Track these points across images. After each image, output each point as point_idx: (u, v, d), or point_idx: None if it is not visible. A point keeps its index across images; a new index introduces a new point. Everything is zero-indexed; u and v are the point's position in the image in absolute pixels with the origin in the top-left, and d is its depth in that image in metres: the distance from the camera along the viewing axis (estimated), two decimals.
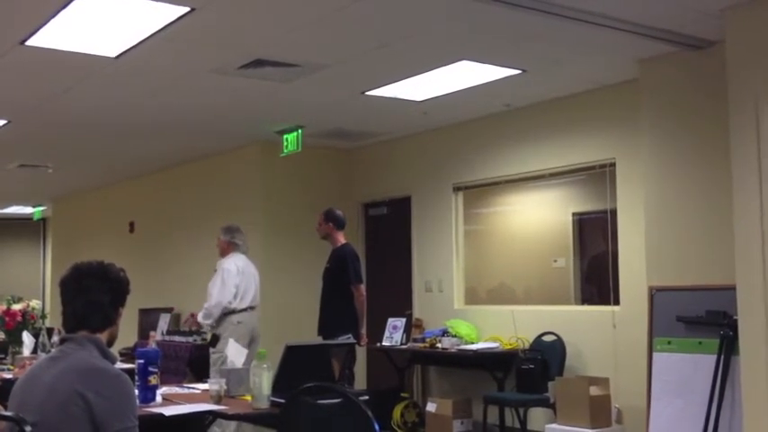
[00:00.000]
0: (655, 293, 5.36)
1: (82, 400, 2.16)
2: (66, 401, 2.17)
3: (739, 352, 4.50)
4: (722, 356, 4.85)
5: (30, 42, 5.01)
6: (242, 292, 6.49)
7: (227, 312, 6.42)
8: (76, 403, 2.16)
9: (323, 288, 6.62)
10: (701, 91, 5.22)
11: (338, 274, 6.48)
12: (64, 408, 2.16)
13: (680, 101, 5.37)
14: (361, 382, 8.32)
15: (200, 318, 6.53)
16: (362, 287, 6.51)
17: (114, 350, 2.52)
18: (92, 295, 2.40)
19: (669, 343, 5.21)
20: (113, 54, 5.30)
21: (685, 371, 5.09)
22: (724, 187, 4.68)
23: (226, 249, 6.66)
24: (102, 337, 2.41)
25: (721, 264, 4.83)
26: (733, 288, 4.48)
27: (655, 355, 5.27)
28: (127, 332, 9.41)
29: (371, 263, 8.64)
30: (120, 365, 4.44)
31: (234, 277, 6.45)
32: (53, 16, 4.60)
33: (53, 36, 4.92)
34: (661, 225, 5.42)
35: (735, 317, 4.54)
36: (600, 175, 6.52)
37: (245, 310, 6.49)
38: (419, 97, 6.60)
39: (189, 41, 5.11)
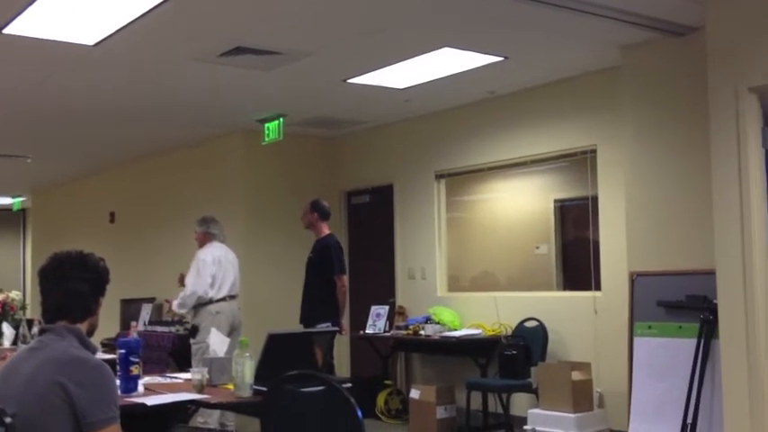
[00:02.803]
0: (636, 279, 5.39)
1: (62, 391, 2.14)
2: (45, 392, 2.15)
3: (719, 335, 4.54)
4: (702, 340, 4.89)
5: (6, 30, 4.95)
6: (219, 281, 6.47)
7: (205, 302, 6.40)
8: (56, 393, 2.14)
9: (306, 278, 6.63)
10: (682, 77, 5.24)
11: (321, 264, 6.49)
12: (43, 398, 2.14)
13: (661, 87, 5.39)
14: (344, 369, 8.33)
15: (174, 306, 6.52)
16: (345, 278, 6.54)
17: (96, 340, 2.50)
18: (71, 285, 2.38)
19: (650, 327, 5.25)
20: (91, 42, 5.24)
21: (666, 355, 5.13)
22: (704, 173, 4.71)
23: (202, 240, 6.66)
24: (83, 327, 2.39)
25: (701, 249, 4.86)
26: (713, 273, 4.52)
27: (636, 339, 5.31)
28: (109, 322, 9.35)
29: (354, 251, 8.63)
30: (101, 356, 4.41)
31: (209, 267, 6.43)
32: (30, 4, 4.54)
33: (30, 24, 4.86)
34: (642, 211, 5.45)
35: (715, 301, 4.58)
36: (581, 162, 6.54)
37: (223, 299, 6.47)
38: (401, 85, 6.58)
39: (168, 29, 5.07)
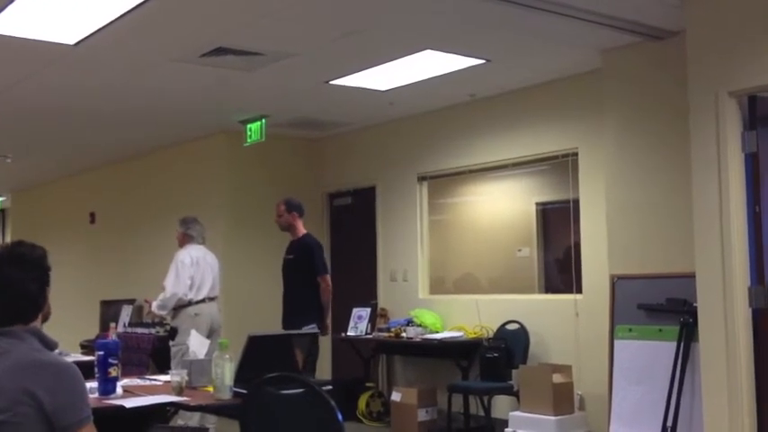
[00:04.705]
0: (616, 281, 5.41)
1: (31, 399, 2.08)
2: (14, 401, 2.09)
3: (699, 338, 4.57)
4: (682, 343, 4.92)
5: None
6: (198, 283, 6.42)
7: (184, 304, 6.35)
8: (25, 402, 2.08)
9: (286, 280, 6.56)
10: (662, 80, 5.28)
11: (303, 265, 6.42)
12: (13, 407, 2.08)
13: (642, 90, 5.42)
14: (326, 372, 8.31)
15: (154, 308, 6.47)
16: (328, 278, 6.47)
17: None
18: (17, 289, 2.26)
19: (630, 330, 5.27)
20: (72, 41, 5.21)
21: (646, 358, 5.15)
22: (685, 176, 4.74)
23: (181, 241, 6.62)
24: (38, 323, 2.32)
25: (682, 252, 4.89)
26: (693, 276, 4.54)
27: (616, 342, 5.33)
28: (88, 324, 9.33)
29: (336, 253, 8.62)
30: (78, 357, 4.38)
31: (188, 269, 6.38)
32: (10, 2, 4.50)
33: (11, 23, 4.82)
34: (622, 214, 5.48)
35: (694, 304, 4.61)
36: (563, 165, 6.56)
37: (202, 301, 6.42)
38: (383, 87, 6.58)
39: (150, 29, 5.04)
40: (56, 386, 2.13)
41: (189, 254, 6.47)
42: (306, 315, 6.28)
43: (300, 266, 6.43)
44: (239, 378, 3.47)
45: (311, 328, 6.16)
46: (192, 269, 6.40)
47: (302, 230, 6.55)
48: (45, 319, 2.36)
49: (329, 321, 6.53)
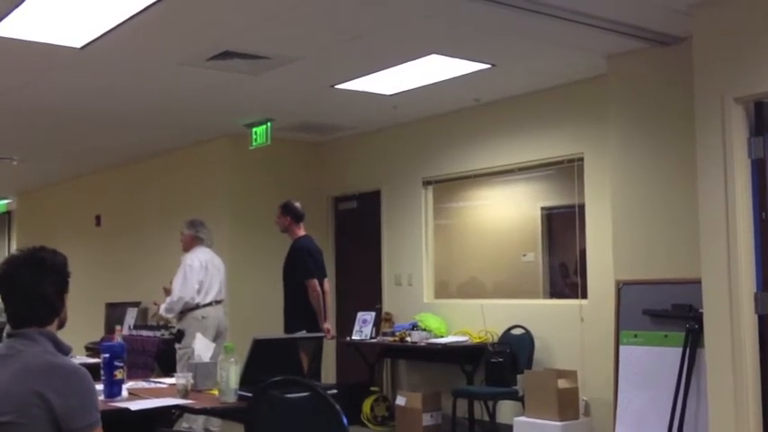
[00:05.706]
0: (621, 287, 5.40)
1: (40, 400, 2.09)
2: (24, 402, 2.09)
3: (704, 344, 4.56)
4: (688, 349, 4.91)
5: None
6: (206, 287, 6.41)
7: (191, 308, 6.35)
8: (35, 403, 2.09)
9: (283, 283, 6.57)
10: (668, 86, 5.27)
11: (290, 268, 6.42)
12: (23, 409, 2.09)
13: (647, 96, 5.42)
14: (330, 375, 8.31)
15: (161, 311, 6.48)
16: (314, 282, 6.35)
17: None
18: (35, 292, 2.29)
19: (636, 336, 5.26)
20: (79, 45, 5.22)
21: (652, 363, 5.14)
22: (690, 182, 4.73)
23: (190, 244, 6.59)
24: (53, 328, 2.33)
25: (687, 257, 4.88)
26: (698, 282, 4.53)
27: (621, 348, 5.32)
28: (93, 326, 9.35)
29: (341, 257, 8.62)
30: (83, 359, 4.38)
31: (197, 272, 6.37)
32: (17, 6, 4.52)
33: (17, 26, 4.83)
34: (628, 219, 5.47)
35: (700, 310, 4.60)
36: (568, 170, 6.56)
37: (209, 304, 6.41)
38: (389, 91, 6.59)
39: (156, 32, 5.05)
40: (66, 389, 2.13)
41: (197, 257, 6.47)
42: (295, 319, 6.26)
43: (289, 270, 6.43)
44: (244, 381, 3.47)
45: (301, 334, 6.11)
46: (201, 273, 6.40)
47: (297, 234, 6.53)
48: (61, 325, 2.37)
49: (328, 325, 6.47)
